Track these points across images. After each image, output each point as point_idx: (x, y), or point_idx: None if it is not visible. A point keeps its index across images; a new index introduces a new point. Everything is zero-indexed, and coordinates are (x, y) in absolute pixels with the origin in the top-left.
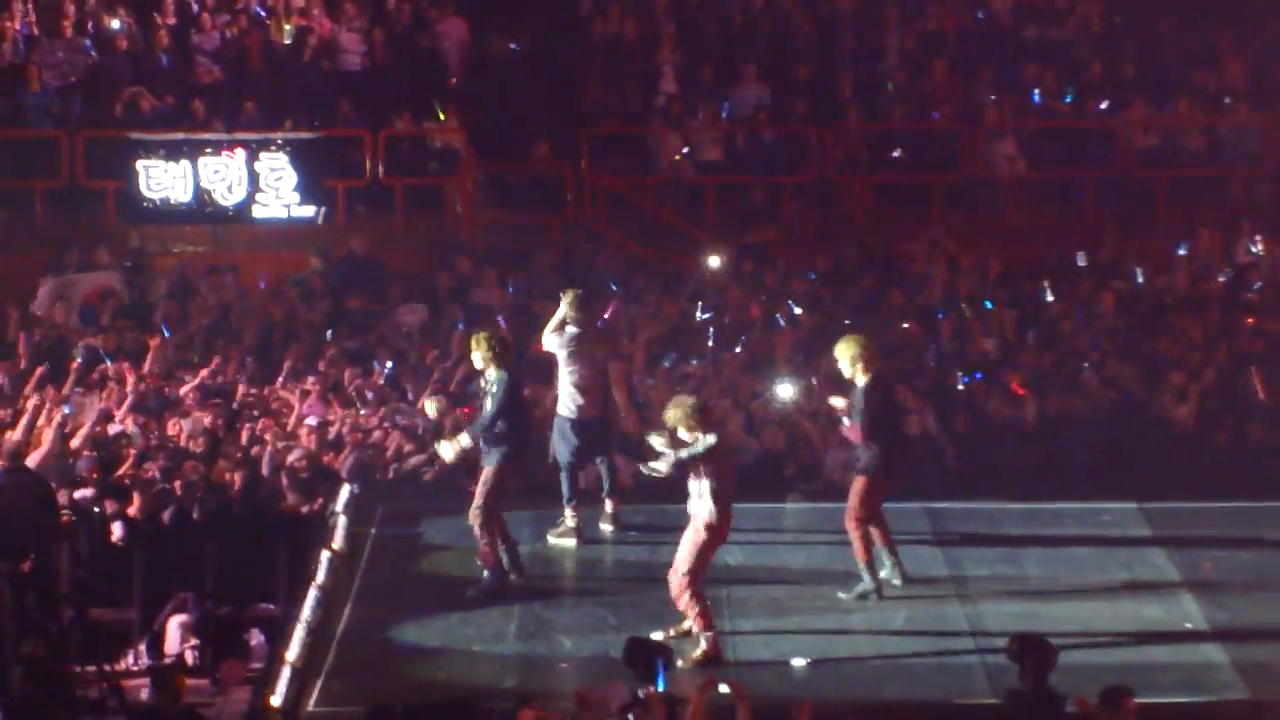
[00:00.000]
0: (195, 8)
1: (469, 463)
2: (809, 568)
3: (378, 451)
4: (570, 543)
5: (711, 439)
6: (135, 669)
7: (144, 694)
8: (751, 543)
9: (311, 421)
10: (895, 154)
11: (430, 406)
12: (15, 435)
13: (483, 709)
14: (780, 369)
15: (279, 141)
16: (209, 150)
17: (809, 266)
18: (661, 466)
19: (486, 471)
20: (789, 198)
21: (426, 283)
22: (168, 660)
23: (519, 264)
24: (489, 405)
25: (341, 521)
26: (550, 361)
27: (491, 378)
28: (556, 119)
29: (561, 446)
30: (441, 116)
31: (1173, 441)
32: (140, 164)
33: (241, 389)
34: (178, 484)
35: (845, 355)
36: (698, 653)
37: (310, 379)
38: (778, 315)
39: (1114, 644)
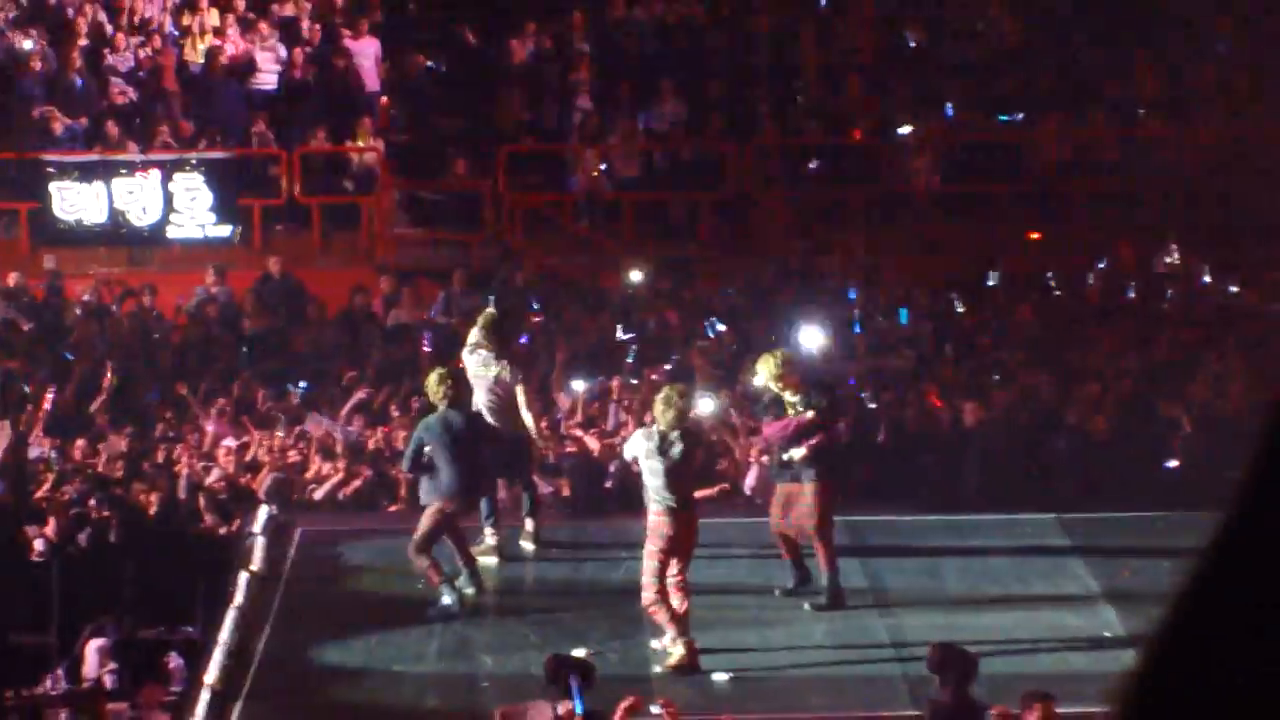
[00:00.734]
0: (109, 29)
1: (387, 482)
2: (729, 581)
3: (296, 472)
4: (491, 561)
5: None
6: (54, 694)
7: (63, 719)
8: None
9: (229, 443)
10: (811, 167)
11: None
12: None
13: None
14: (700, 384)
15: (193, 161)
16: (123, 171)
17: (728, 282)
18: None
19: (428, 510)
20: (707, 214)
21: (344, 302)
22: (86, 685)
23: (438, 282)
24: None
25: (260, 542)
26: None
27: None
28: (474, 136)
29: None
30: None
31: (1089, 452)
32: (54, 185)
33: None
34: (93, 506)
35: (765, 371)
36: (673, 660)
37: (221, 400)
38: (697, 330)
39: (1034, 654)
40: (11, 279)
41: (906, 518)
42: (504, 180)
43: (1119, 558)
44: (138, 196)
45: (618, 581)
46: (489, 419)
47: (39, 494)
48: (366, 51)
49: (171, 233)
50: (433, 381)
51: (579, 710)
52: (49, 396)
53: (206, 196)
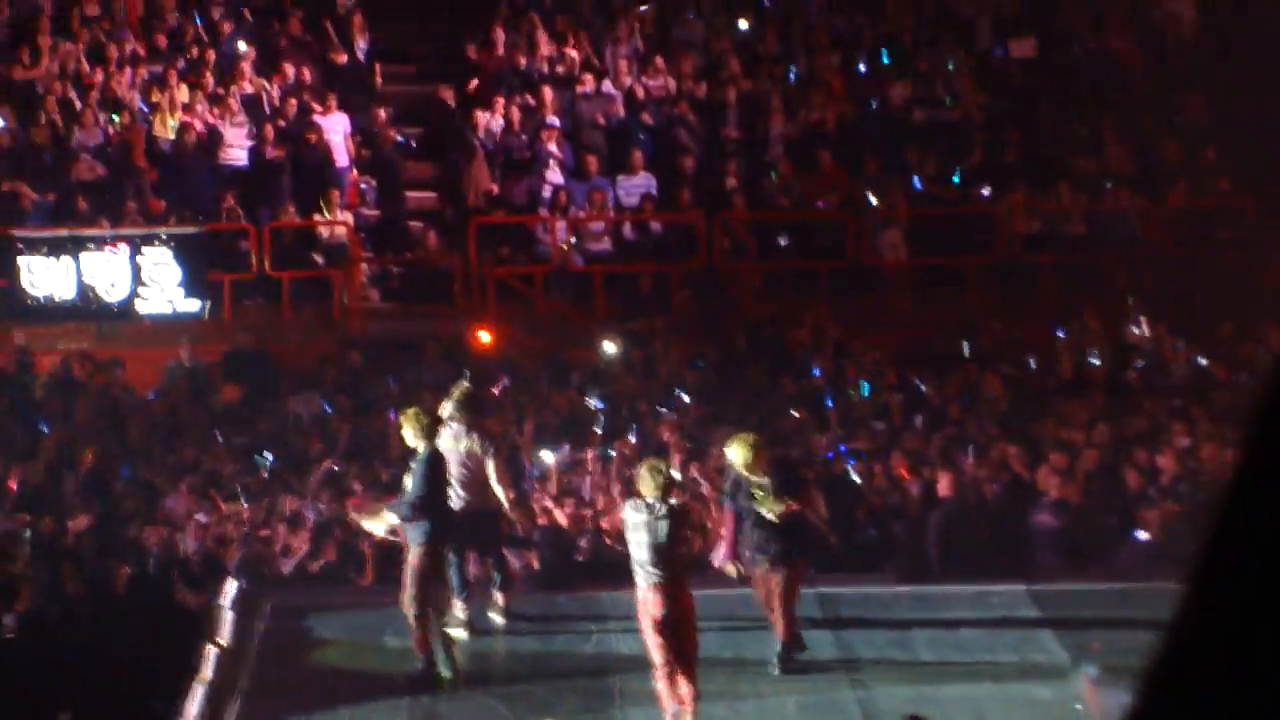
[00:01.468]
0: (78, 104)
1: (357, 555)
2: (701, 655)
3: (265, 545)
4: (461, 634)
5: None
6: None
7: None
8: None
9: (200, 518)
10: (782, 242)
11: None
12: None
13: None
14: (670, 458)
15: (163, 236)
16: (92, 246)
17: (698, 354)
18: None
19: (411, 557)
20: (678, 286)
21: (315, 375)
22: None
23: (408, 355)
24: (409, 481)
25: (229, 616)
26: None
27: (421, 453)
28: (445, 209)
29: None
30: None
31: (1059, 523)
32: (23, 260)
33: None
34: (65, 581)
35: (739, 456)
36: None
37: (189, 476)
38: (666, 402)
39: None
40: None
41: (877, 589)
42: (475, 253)
43: (1089, 629)
44: (107, 271)
45: (588, 654)
46: (460, 492)
47: (9, 569)
48: (336, 126)
49: (140, 307)
50: (411, 417)
51: None
52: (16, 472)
53: (175, 271)
